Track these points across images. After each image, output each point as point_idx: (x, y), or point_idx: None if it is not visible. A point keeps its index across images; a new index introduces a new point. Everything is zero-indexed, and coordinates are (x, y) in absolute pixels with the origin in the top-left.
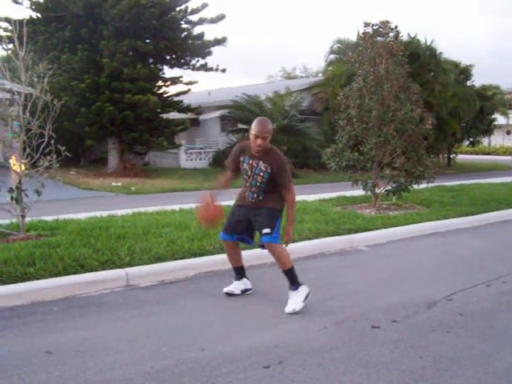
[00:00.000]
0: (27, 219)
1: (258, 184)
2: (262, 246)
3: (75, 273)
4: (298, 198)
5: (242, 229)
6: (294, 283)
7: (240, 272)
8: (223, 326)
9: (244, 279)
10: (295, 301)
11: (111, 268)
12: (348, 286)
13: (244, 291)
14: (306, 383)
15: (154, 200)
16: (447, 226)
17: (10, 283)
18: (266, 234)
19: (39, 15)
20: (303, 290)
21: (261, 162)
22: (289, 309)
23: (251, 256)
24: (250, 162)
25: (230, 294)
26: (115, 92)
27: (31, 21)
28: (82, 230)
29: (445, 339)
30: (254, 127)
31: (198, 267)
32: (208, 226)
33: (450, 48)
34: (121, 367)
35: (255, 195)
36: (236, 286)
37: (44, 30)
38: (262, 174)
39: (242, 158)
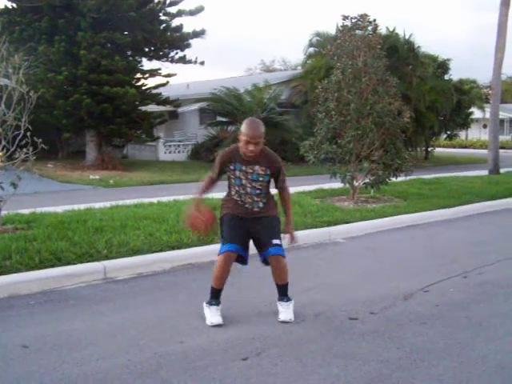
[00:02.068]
0: (3, 212)
1: (258, 192)
2: (265, 262)
3: (52, 266)
4: (277, 190)
5: (244, 243)
6: (287, 295)
7: (220, 294)
8: (201, 319)
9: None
10: (289, 311)
11: (88, 261)
12: (326, 279)
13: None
14: (284, 375)
15: (133, 193)
16: (425, 219)
17: None
18: (276, 245)
19: (15, 5)
20: (292, 303)
21: (257, 167)
22: (287, 316)
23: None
24: (244, 168)
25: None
26: (93, 84)
27: (6, 11)
28: (59, 223)
29: (421, 330)
30: (244, 131)
31: (176, 260)
32: (202, 233)
33: (428, 42)
34: (98, 360)
35: (260, 204)
36: (219, 313)
37: (20, 20)
38: (261, 178)
39: (231, 166)
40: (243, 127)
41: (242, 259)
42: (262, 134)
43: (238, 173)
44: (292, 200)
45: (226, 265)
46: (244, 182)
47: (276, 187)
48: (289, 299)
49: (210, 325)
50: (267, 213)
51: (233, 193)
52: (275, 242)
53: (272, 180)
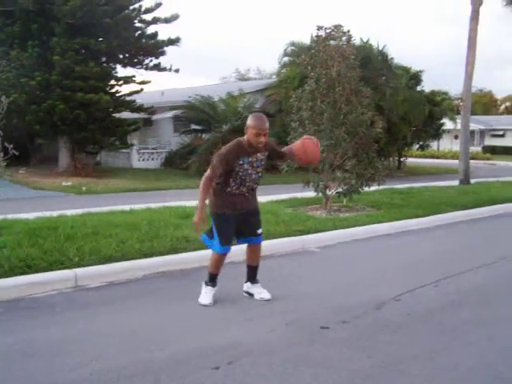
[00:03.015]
0: None
1: (260, 175)
2: (241, 242)
3: (22, 274)
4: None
5: (233, 236)
6: (256, 277)
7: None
8: (172, 328)
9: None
10: (265, 291)
11: (59, 269)
12: (298, 287)
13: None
14: None
15: (105, 200)
16: (397, 228)
17: None
18: (261, 234)
19: None
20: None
21: (258, 155)
22: (269, 295)
23: (191, 258)
24: (250, 159)
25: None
26: (66, 90)
27: None
28: (30, 230)
29: (393, 339)
30: (254, 125)
31: (148, 268)
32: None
33: (401, 54)
34: (69, 369)
35: (255, 186)
36: (212, 295)
37: None
38: (262, 162)
39: (240, 161)
40: (253, 122)
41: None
42: (268, 126)
43: (246, 165)
44: (265, 209)
45: (222, 262)
46: (250, 171)
47: (282, 155)
48: (258, 280)
49: (199, 304)
50: (255, 204)
51: (232, 184)
52: (260, 231)
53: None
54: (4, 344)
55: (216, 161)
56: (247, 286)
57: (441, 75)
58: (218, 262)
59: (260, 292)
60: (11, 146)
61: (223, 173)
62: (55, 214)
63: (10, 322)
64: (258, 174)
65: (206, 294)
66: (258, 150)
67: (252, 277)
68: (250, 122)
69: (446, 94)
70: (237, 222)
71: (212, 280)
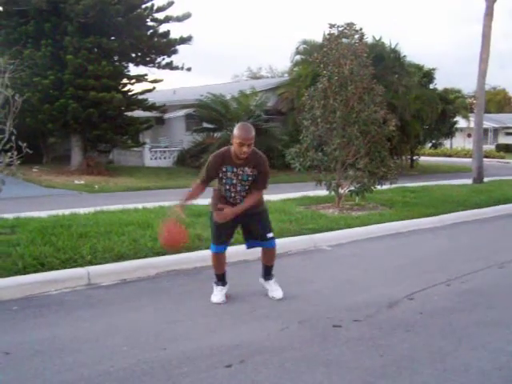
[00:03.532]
0: None
1: (247, 188)
2: (249, 248)
3: (35, 271)
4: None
5: (228, 237)
6: (272, 274)
7: (225, 277)
8: (185, 326)
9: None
10: (279, 287)
11: (72, 267)
12: (310, 286)
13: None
14: (268, 382)
15: (118, 199)
16: (409, 227)
17: None
18: (271, 238)
19: (1, 8)
20: (275, 277)
21: (246, 168)
22: (281, 294)
23: (204, 256)
24: (235, 170)
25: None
26: (79, 89)
27: None
28: (43, 228)
29: (405, 338)
30: (237, 135)
31: (161, 266)
32: (170, 249)
33: (414, 52)
34: (80, 367)
35: (243, 197)
36: (224, 294)
37: (6, 23)
38: (250, 178)
39: (223, 168)
40: (236, 131)
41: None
42: (253, 137)
43: (229, 174)
44: (277, 207)
45: (219, 261)
46: (235, 181)
47: (254, 187)
48: (273, 276)
49: (211, 302)
50: (257, 209)
51: (223, 189)
52: (269, 235)
53: None
54: (16, 341)
55: (204, 170)
56: (261, 281)
57: (454, 73)
58: (215, 260)
59: (272, 290)
60: (25, 144)
61: (207, 178)
62: (68, 212)
63: (23, 320)
64: (244, 186)
65: (217, 293)
66: (246, 163)
67: (265, 273)
68: (234, 131)
69: (459, 91)
70: (234, 224)
71: (219, 279)
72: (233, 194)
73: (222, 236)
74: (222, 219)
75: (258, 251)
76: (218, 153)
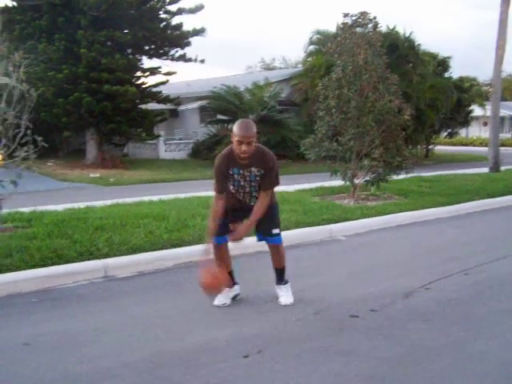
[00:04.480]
0: (3, 210)
1: (257, 189)
2: (260, 240)
3: (53, 264)
4: (277, 188)
5: (228, 229)
6: (284, 279)
7: (232, 277)
8: (202, 317)
9: (235, 286)
10: (289, 294)
11: (89, 259)
12: (326, 276)
13: (233, 298)
14: (285, 372)
15: (133, 191)
16: (425, 216)
17: None
18: (276, 234)
19: (15, 4)
20: (289, 285)
21: (253, 169)
22: (288, 300)
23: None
24: (241, 172)
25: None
26: (93, 82)
27: (6, 9)
28: (60, 221)
29: (422, 327)
30: (236, 132)
31: (177, 258)
32: (210, 292)
33: (429, 40)
34: (99, 359)
35: (254, 197)
36: (227, 296)
37: (20, 18)
38: (258, 178)
39: (230, 172)
40: (235, 128)
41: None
42: (253, 134)
43: (236, 176)
44: (292, 198)
45: (221, 253)
46: (243, 183)
47: (262, 187)
48: (286, 282)
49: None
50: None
51: (231, 187)
52: (275, 231)
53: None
54: (36, 333)
55: (214, 177)
56: (275, 287)
57: (470, 61)
58: (214, 251)
59: (281, 295)
60: (40, 138)
61: (221, 184)
62: (84, 205)
63: (42, 312)
64: (253, 187)
65: (220, 295)
66: (251, 163)
67: (277, 278)
68: (233, 128)
69: (474, 79)
70: (241, 215)
71: None
72: (242, 195)
73: (220, 227)
74: (237, 240)
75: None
76: (222, 154)
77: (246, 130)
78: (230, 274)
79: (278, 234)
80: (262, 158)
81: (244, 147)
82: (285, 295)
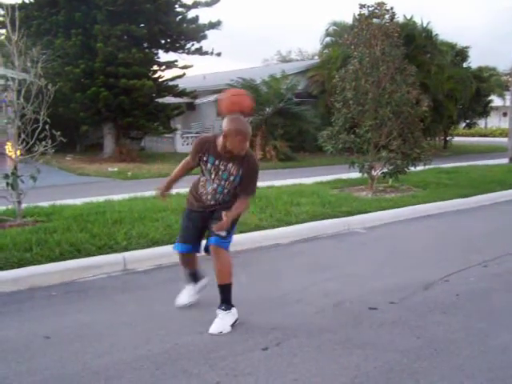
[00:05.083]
0: (23, 205)
1: (225, 191)
2: (207, 250)
3: (72, 258)
4: (295, 180)
5: (197, 238)
6: (228, 303)
7: (196, 276)
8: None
9: (200, 281)
10: (224, 322)
11: (108, 253)
12: (345, 269)
13: (199, 291)
14: (304, 364)
15: (151, 185)
16: (443, 208)
17: (6, 269)
18: (223, 237)
19: (32, 0)
20: (234, 314)
21: (230, 164)
22: (215, 329)
23: (238, 241)
24: (216, 163)
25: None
26: (110, 77)
27: (24, 5)
28: (79, 215)
29: (441, 319)
30: (240, 129)
31: None
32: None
33: (447, 30)
34: (118, 351)
35: (220, 198)
36: (190, 294)
37: (37, 14)
38: (231, 178)
39: (204, 158)
40: (236, 125)
41: (196, 251)
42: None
43: (209, 166)
44: (310, 190)
45: (182, 261)
46: (213, 176)
47: (239, 191)
48: (228, 308)
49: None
50: (224, 206)
51: (201, 179)
52: (221, 233)
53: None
54: (56, 326)
55: (190, 151)
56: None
57: (489, 50)
58: (179, 257)
59: (215, 322)
60: (59, 133)
61: (192, 157)
62: (102, 199)
63: (62, 305)
64: (223, 187)
65: (181, 293)
66: (232, 159)
67: (220, 297)
68: (232, 125)
69: (493, 69)
70: (202, 221)
71: (187, 275)
72: (204, 191)
73: (184, 235)
74: (220, 229)
75: (291, 233)
76: (202, 137)
77: (248, 128)
78: (195, 274)
79: (225, 238)
80: (248, 159)
81: (245, 144)
82: (218, 321)
